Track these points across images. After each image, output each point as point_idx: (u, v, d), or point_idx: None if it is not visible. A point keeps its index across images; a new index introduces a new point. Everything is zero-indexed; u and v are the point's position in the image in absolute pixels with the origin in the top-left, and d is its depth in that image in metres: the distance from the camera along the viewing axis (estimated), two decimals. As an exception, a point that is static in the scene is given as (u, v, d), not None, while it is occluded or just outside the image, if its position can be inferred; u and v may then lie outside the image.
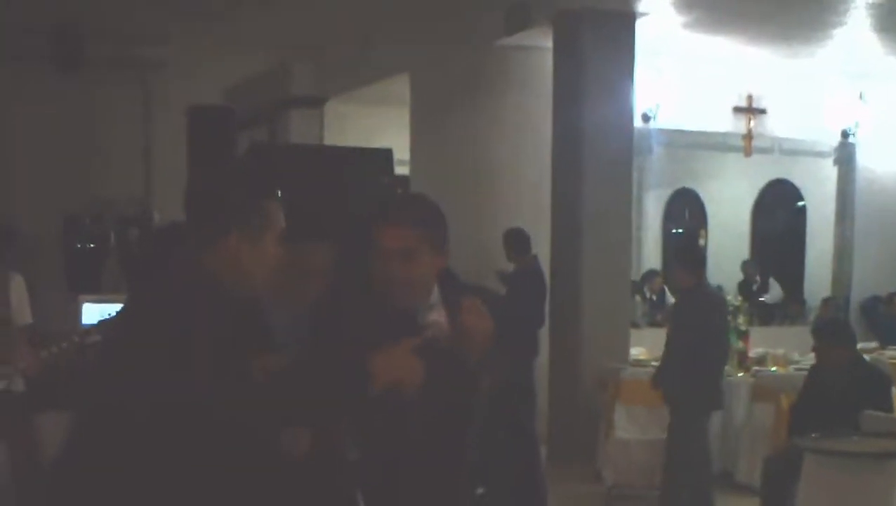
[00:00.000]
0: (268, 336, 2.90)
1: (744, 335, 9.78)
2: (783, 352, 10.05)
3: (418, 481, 2.92)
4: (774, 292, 14.41)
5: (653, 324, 12.94)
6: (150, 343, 2.42)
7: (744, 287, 13.83)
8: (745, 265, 14.73)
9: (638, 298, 13.16)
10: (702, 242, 16.52)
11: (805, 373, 7.60)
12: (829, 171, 14.00)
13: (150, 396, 2.39)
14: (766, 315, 13.65)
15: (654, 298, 13.82)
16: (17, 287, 6.10)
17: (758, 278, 14.44)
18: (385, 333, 2.82)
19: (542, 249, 9.86)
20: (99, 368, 2.62)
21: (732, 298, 10.66)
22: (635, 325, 11.57)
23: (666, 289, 14.07)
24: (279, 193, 2.67)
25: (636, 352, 10.09)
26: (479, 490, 3.02)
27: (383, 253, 2.89)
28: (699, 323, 7.51)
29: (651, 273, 14.40)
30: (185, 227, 2.64)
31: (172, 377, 2.37)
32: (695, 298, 7.67)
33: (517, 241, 9.56)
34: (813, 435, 6.17)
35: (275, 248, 2.62)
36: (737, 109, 12.98)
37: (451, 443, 2.93)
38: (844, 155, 13.79)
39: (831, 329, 7.38)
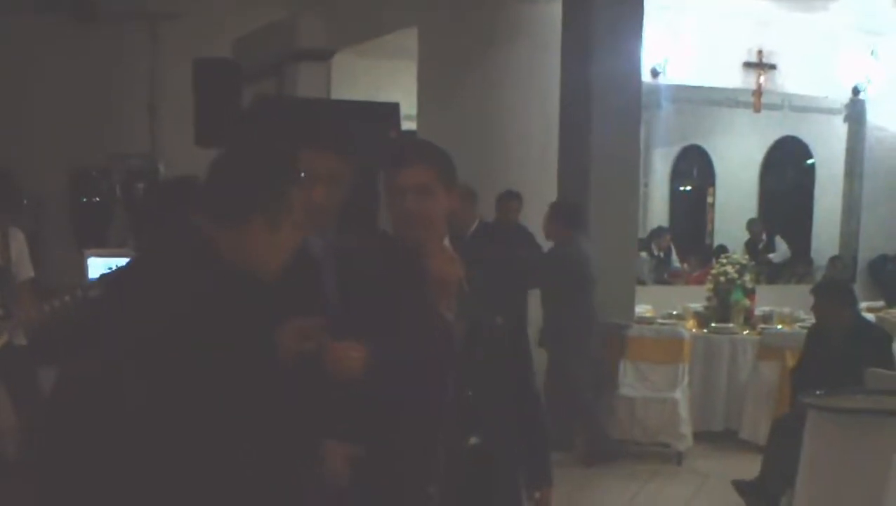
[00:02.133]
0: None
1: (750, 293, 9.78)
2: (789, 310, 10.03)
3: (397, 434, 2.94)
4: (781, 251, 14.36)
5: (659, 281, 12.95)
6: (148, 323, 2.37)
7: (750, 246, 13.80)
8: (751, 224, 14.68)
9: (645, 254, 13.15)
10: (710, 199, 16.48)
11: (810, 331, 7.61)
12: (839, 128, 13.89)
13: (141, 374, 2.35)
14: (773, 273, 13.62)
15: (662, 255, 13.80)
16: (17, 241, 6.08)
17: (764, 237, 14.38)
18: (394, 276, 2.88)
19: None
20: (92, 333, 2.58)
21: (739, 256, 10.65)
22: (641, 282, 11.57)
23: (673, 246, 14.06)
24: (302, 176, 2.66)
25: (642, 309, 10.09)
26: (473, 440, 3.01)
27: (400, 191, 2.99)
28: (566, 274, 8.22)
29: (659, 230, 14.37)
30: (201, 199, 2.57)
31: (165, 359, 2.33)
32: (565, 250, 8.31)
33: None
34: (818, 392, 6.16)
35: (291, 235, 2.58)
36: (747, 65, 12.85)
37: (431, 392, 2.94)
38: (854, 112, 13.67)
39: (830, 289, 7.38)
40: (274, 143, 2.66)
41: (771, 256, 14.04)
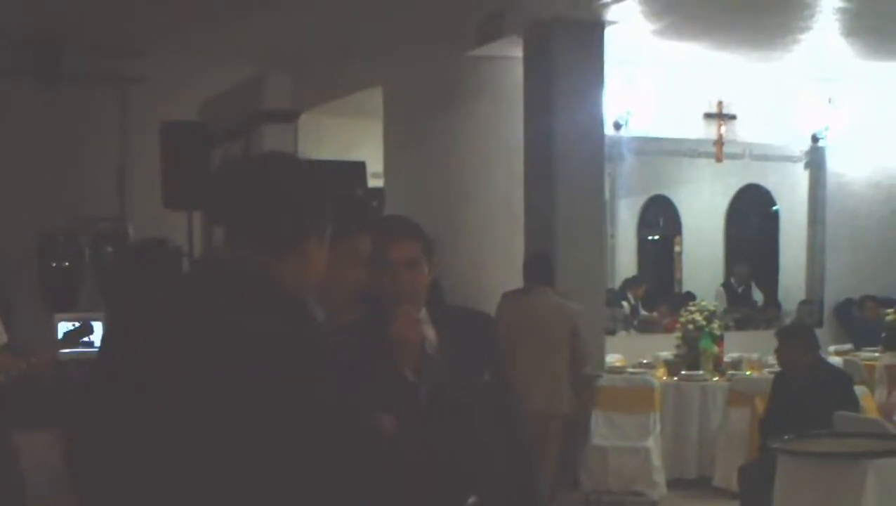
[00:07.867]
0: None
1: (718, 340, 9.86)
2: (758, 356, 10.12)
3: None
4: (757, 299, 14.48)
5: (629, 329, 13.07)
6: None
7: (728, 289, 13.92)
8: (737, 267, 14.74)
9: (625, 304, 13.33)
10: (677, 248, 16.60)
11: (780, 377, 7.69)
12: (801, 175, 14.09)
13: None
14: (743, 319, 13.73)
15: (638, 304, 13.90)
16: None
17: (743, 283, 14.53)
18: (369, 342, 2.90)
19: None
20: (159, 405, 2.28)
21: (708, 303, 10.75)
22: (611, 332, 11.64)
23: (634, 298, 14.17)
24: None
25: (612, 358, 10.16)
26: (471, 500, 2.99)
27: (392, 265, 3.05)
28: None
29: (634, 279, 14.49)
30: (245, 231, 2.43)
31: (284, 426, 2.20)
32: None
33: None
34: (786, 437, 6.23)
35: (326, 256, 2.56)
36: (707, 115, 13.05)
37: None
38: (815, 159, 13.87)
39: (791, 334, 7.50)
40: (308, 167, 2.63)
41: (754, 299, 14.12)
